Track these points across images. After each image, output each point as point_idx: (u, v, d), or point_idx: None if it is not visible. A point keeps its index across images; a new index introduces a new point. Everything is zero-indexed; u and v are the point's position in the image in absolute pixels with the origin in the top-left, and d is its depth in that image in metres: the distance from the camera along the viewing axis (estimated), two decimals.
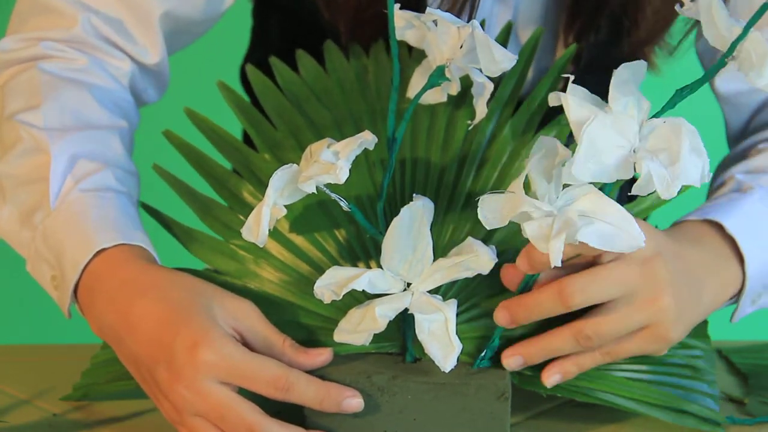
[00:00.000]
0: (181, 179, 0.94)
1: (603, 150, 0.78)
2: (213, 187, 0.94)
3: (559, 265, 0.77)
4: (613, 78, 0.80)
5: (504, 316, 0.86)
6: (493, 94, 0.96)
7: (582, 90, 0.80)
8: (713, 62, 1.08)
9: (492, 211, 0.81)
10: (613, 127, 0.79)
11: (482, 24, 1.04)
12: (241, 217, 0.92)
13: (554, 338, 0.86)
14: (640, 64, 0.80)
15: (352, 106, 0.97)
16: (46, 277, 0.92)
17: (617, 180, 0.79)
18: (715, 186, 1.05)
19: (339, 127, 0.95)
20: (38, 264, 0.92)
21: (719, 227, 0.95)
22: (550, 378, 0.87)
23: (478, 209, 0.81)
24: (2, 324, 2.18)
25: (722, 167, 1.09)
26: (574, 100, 0.79)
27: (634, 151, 0.79)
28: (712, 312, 0.94)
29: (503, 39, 1.03)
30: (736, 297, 0.97)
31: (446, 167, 0.93)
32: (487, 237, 0.89)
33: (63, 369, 1.01)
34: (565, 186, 0.81)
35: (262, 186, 0.92)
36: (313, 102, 0.97)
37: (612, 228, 0.79)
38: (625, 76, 0.80)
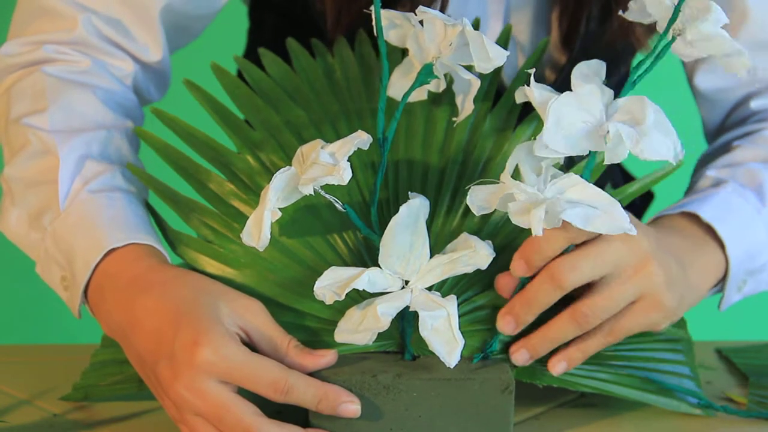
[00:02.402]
0: (162, 180, 0.93)
1: (570, 123, 0.82)
2: (194, 188, 0.93)
3: (540, 233, 0.79)
4: (573, 71, 0.84)
5: (508, 322, 0.86)
6: None
7: (544, 85, 0.84)
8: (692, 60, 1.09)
9: (480, 199, 0.84)
10: (577, 104, 0.83)
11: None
12: (226, 218, 0.92)
13: (553, 325, 0.87)
14: (598, 64, 0.85)
15: (325, 105, 0.97)
16: (56, 278, 0.92)
17: (595, 157, 0.84)
18: (691, 185, 1.07)
19: (316, 126, 0.95)
20: (48, 265, 0.93)
21: (696, 218, 0.97)
22: (557, 366, 0.88)
23: (468, 197, 0.84)
24: (2, 324, 2.18)
25: (699, 166, 1.10)
26: (537, 89, 0.83)
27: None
28: (702, 295, 0.95)
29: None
30: (722, 285, 0.98)
31: (429, 165, 0.93)
32: (476, 233, 0.89)
33: (63, 369, 1.00)
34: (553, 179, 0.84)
35: (244, 186, 0.92)
36: (286, 101, 0.97)
37: (596, 210, 0.81)
38: (584, 70, 0.85)
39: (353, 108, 0.97)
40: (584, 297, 0.86)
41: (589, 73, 0.86)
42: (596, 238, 0.85)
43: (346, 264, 0.89)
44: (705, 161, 1.09)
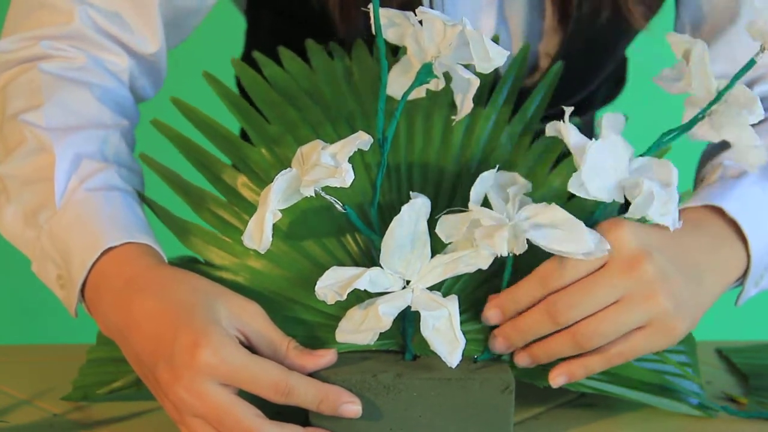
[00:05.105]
0: (174, 170, 0.94)
1: (604, 170, 0.84)
2: (208, 179, 0.93)
3: (505, 253, 0.81)
4: (602, 121, 0.87)
5: (500, 343, 0.87)
6: (488, 96, 0.97)
7: (574, 126, 0.86)
8: None
9: (449, 227, 0.85)
10: (609, 152, 0.84)
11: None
12: (237, 210, 0.92)
13: (555, 341, 0.86)
14: (619, 117, 0.88)
15: (342, 105, 0.97)
16: (52, 276, 0.92)
17: (610, 203, 0.85)
18: (702, 174, 1.05)
19: (333, 124, 0.95)
20: (44, 263, 0.92)
21: (719, 211, 0.94)
22: (557, 379, 0.87)
23: (436, 226, 0.85)
24: (2, 324, 2.18)
25: (707, 155, 1.09)
26: (572, 129, 0.85)
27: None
28: (719, 295, 0.93)
29: None
30: (741, 279, 0.96)
31: (444, 170, 0.93)
32: None
33: (63, 369, 1.00)
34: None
35: (258, 179, 0.92)
36: (303, 98, 0.97)
37: (561, 232, 0.83)
38: (611, 122, 0.87)
39: (371, 109, 0.97)
40: (589, 319, 0.85)
41: (615, 125, 0.87)
42: (597, 271, 0.85)
43: (354, 262, 0.89)
44: (712, 153, 1.07)
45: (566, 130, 0.85)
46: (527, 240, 0.82)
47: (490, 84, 1.00)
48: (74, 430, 0.91)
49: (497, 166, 0.88)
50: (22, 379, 1.00)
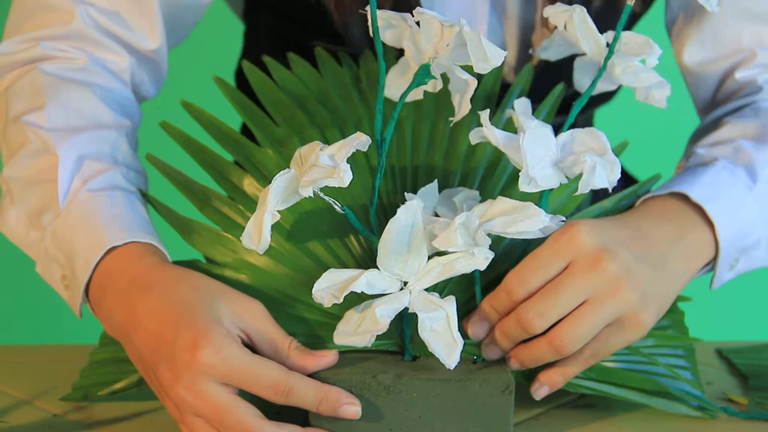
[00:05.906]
0: (178, 169, 0.94)
1: (540, 157, 0.85)
2: (214, 178, 0.93)
3: (460, 244, 0.82)
4: (516, 110, 0.88)
5: (493, 350, 0.87)
6: (498, 99, 0.97)
7: (496, 129, 0.86)
8: (680, 35, 1.08)
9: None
10: (537, 138, 0.85)
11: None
12: (241, 208, 0.92)
13: (536, 348, 0.86)
14: (524, 101, 0.90)
15: (350, 109, 0.97)
16: (57, 277, 0.92)
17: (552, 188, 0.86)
18: (681, 162, 1.06)
19: (340, 128, 0.96)
20: (48, 264, 0.93)
21: (685, 198, 0.95)
22: (539, 391, 0.88)
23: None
24: (2, 324, 2.18)
25: (690, 143, 1.09)
26: (495, 129, 0.85)
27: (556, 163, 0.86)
28: (687, 281, 0.94)
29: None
30: (712, 264, 0.96)
31: (450, 175, 0.93)
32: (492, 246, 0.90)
33: (63, 369, 1.01)
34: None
35: (264, 179, 0.93)
36: (312, 101, 0.98)
37: (513, 216, 0.83)
38: (521, 108, 0.89)
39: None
40: (562, 324, 0.85)
41: (525, 110, 0.88)
42: (560, 275, 0.85)
43: (356, 261, 0.89)
44: (695, 139, 1.08)
45: (491, 132, 0.85)
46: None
47: (497, 95, 1.00)
48: (74, 430, 0.91)
49: (436, 180, 0.89)
50: (22, 379, 1.00)
